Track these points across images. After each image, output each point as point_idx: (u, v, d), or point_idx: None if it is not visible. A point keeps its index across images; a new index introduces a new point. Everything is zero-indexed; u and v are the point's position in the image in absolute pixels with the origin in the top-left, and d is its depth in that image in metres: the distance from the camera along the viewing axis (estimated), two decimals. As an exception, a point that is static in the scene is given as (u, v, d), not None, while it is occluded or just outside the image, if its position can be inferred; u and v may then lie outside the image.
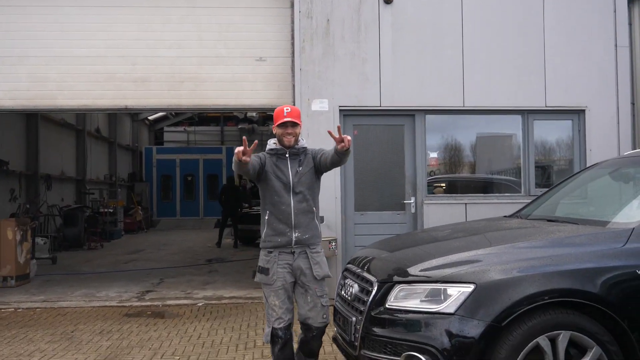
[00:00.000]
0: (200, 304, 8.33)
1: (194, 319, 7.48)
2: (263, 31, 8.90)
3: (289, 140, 4.49)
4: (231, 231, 17.24)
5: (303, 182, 4.50)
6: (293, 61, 8.62)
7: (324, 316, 4.50)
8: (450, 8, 8.63)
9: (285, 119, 4.44)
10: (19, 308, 8.26)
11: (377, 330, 3.91)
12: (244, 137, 4.28)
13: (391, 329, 3.85)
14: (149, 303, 8.45)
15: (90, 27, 8.79)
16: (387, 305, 3.91)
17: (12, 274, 9.89)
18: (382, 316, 3.91)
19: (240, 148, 4.10)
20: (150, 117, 29.24)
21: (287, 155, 4.53)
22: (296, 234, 4.45)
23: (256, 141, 4.34)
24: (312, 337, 4.51)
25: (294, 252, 4.47)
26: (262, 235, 4.56)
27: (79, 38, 8.78)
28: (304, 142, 4.63)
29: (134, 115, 26.87)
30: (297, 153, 4.56)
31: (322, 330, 4.54)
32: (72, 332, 6.91)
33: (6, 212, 13.84)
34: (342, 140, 4.18)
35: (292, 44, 8.67)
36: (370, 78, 8.51)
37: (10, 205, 14.73)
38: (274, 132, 4.58)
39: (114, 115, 23.42)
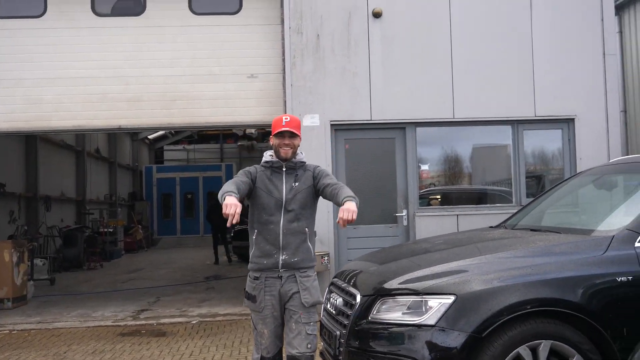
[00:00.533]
0: (195, 322, 8.31)
1: (187, 336, 7.47)
2: (254, 48, 8.97)
3: (285, 152, 4.10)
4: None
5: (297, 199, 4.10)
6: (284, 77, 8.67)
7: (309, 345, 4.02)
8: (439, 20, 8.68)
9: (283, 129, 4.06)
10: (14, 330, 8.25)
11: (360, 343, 3.91)
12: (237, 210, 3.64)
13: (374, 342, 3.85)
14: (143, 322, 8.43)
15: (83, 48, 8.87)
16: (369, 319, 3.91)
17: (8, 295, 9.88)
18: (365, 329, 3.90)
19: (232, 212, 3.60)
20: (149, 136, 29.35)
21: (283, 169, 4.15)
22: (283, 256, 4.06)
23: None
24: None
25: (282, 276, 4.08)
26: (250, 256, 4.21)
27: (72, 59, 8.86)
28: (302, 155, 4.23)
29: (134, 134, 26.97)
30: (294, 167, 4.17)
31: None
32: (65, 352, 6.90)
33: (5, 234, 13.87)
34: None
35: (283, 60, 8.72)
36: (360, 92, 8.55)
37: (9, 227, 14.76)
38: (270, 142, 4.22)
39: (113, 135, 23.48)
